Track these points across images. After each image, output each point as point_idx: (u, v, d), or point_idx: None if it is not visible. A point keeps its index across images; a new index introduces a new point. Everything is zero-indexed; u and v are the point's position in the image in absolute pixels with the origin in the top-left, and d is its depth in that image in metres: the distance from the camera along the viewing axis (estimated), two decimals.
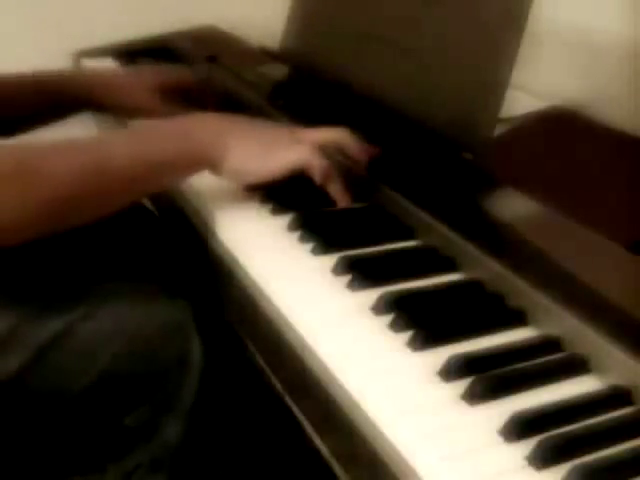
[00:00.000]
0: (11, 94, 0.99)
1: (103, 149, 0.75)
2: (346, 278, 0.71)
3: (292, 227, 0.80)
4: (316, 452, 0.63)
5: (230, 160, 0.79)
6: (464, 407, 0.57)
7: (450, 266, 0.74)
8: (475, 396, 0.57)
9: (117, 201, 0.76)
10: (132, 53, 1.43)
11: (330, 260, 0.73)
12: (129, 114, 1.04)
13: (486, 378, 0.58)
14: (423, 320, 0.65)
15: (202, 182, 0.91)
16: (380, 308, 0.67)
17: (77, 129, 1.14)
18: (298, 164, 0.79)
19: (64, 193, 0.70)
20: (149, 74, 1.09)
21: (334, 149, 0.85)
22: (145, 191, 0.84)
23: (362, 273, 0.71)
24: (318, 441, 0.63)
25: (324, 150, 0.82)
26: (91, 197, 0.73)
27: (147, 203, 1.10)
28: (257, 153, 0.80)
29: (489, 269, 0.70)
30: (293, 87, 1.19)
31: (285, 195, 0.85)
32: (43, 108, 1.02)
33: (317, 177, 0.80)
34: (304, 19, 1.18)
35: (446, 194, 0.83)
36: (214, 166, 0.80)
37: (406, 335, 0.63)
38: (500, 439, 0.54)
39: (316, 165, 0.79)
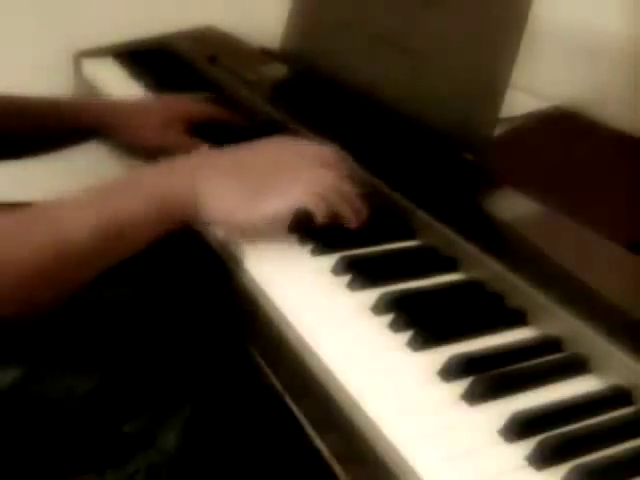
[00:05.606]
0: (19, 113, 0.98)
1: (62, 227, 0.69)
2: (346, 278, 0.71)
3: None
4: (316, 452, 0.63)
5: (209, 209, 0.73)
6: (464, 407, 0.57)
7: (450, 266, 0.74)
8: (475, 396, 0.57)
9: (81, 277, 0.71)
10: (132, 53, 1.43)
11: (330, 260, 0.73)
12: (136, 152, 1.03)
13: (486, 378, 0.58)
14: (423, 320, 0.65)
15: None
16: (380, 308, 0.67)
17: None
18: (295, 207, 0.73)
19: (26, 281, 0.67)
20: (163, 108, 1.05)
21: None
22: (111, 260, 0.73)
23: (362, 273, 0.71)
24: (318, 441, 0.63)
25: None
26: (54, 278, 0.69)
27: None
28: (240, 197, 0.73)
29: (489, 269, 0.70)
30: (293, 87, 1.19)
31: None
32: (53, 132, 1.01)
33: (317, 219, 0.74)
34: (304, 19, 1.18)
35: (446, 194, 0.83)
36: (194, 217, 0.74)
37: (406, 335, 0.63)
38: (500, 439, 0.54)
39: (314, 209, 0.74)
